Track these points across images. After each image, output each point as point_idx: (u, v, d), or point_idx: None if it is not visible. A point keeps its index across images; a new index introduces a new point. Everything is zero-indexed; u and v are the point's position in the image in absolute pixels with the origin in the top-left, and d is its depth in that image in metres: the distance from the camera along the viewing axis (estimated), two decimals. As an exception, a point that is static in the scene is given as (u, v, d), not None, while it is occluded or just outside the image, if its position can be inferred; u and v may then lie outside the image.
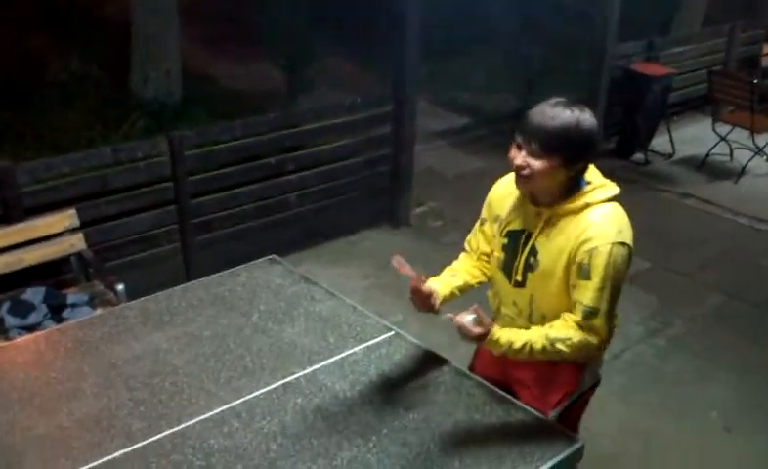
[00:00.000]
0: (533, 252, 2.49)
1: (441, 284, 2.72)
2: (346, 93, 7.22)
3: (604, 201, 2.42)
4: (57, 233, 4.30)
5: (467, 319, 2.39)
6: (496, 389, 2.70)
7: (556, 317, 2.47)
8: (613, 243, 2.35)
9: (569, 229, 2.41)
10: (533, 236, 2.49)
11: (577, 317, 2.40)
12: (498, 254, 2.64)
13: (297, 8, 8.41)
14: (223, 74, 9.04)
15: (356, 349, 2.89)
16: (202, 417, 2.50)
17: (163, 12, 7.65)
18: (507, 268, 2.60)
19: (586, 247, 2.35)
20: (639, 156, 7.79)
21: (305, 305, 3.19)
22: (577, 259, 2.37)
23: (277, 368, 2.76)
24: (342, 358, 2.83)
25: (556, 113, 2.34)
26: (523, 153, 2.37)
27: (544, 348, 2.41)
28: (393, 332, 3.01)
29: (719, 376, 4.56)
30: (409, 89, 5.92)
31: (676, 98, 8.57)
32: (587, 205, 2.40)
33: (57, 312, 4.00)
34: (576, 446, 2.42)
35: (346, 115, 5.83)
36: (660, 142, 8.07)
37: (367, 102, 5.99)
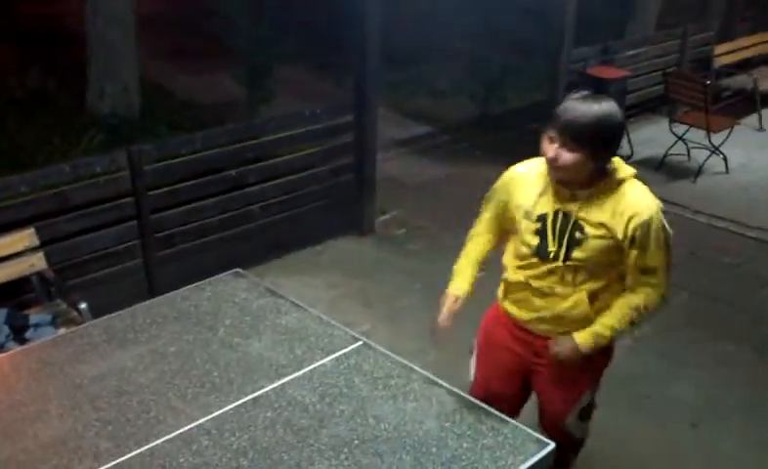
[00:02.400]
0: (579, 228, 2.65)
1: (467, 282, 2.98)
2: (307, 102, 7.21)
3: (631, 177, 2.68)
4: (16, 252, 4.22)
5: (555, 349, 2.81)
6: (466, 395, 2.71)
7: (603, 279, 2.73)
8: (657, 211, 2.65)
9: (609, 205, 2.63)
10: (575, 214, 2.65)
11: (641, 280, 2.71)
12: (530, 239, 2.75)
13: (256, 18, 8.37)
14: (182, 86, 8.98)
15: (324, 360, 2.88)
16: (171, 435, 2.47)
17: (119, 24, 7.56)
18: (543, 250, 2.73)
19: (638, 221, 2.60)
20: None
21: (271, 318, 3.17)
22: (630, 233, 2.61)
23: (245, 383, 2.74)
24: (311, 370, 2.82)
25: (586, 108, 2.53)
26: (555, 146, 2.57)
27: (632, 321, 2.76)
28: (361, 342, 3.00)
29: (686, 373, 4.62)
30: (370, 97, 5.92)
31: (632, 100, 8.68)
32: (620, 182, 2.64)
33: (19, 333, 3.93)
34: (548, 449, 2.43)
35: (307, 125, 5.81)
36: (618, 143, 8.15)
37: (329, 111, 5.98)
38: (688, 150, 7.88)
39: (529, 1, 9.17)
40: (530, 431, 2.53)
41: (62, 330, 3.90)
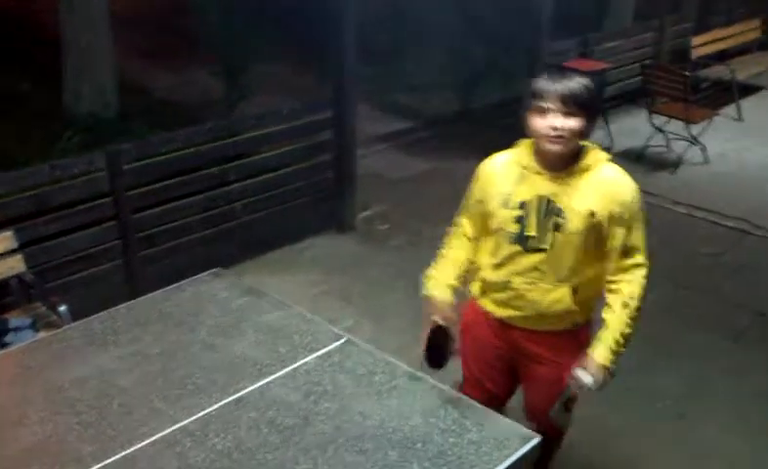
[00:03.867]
0: (558, 213, 2.64)
1: (448, 291, 2.94)
2: (286, 99, 7.18)
3: (606, 160, 2.72)
4: (-6, 255, 4.18)
5: (587, 380, 2.76)
6: (450, 390, 2.70)
7: (584, 269, 2.72)
8: (637, 190, 2.71)
9: (590, 187, 2.65)
10: (556, 198, 2.65)
11: (624, 264, 2.72)
12: (510, 228, 2.73)
13: (233, 15, 8.33)
14: (159, 85, 8.92)
15: (307, 358, 2.86)
16: (154, 438, 2.44)
17: (95, 23, 7.50)
18: (522, 238, 2.71)
19: (621, 200, 2.65)
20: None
21: (253, 317, 3.14)
22: (615, 213, 2.64)
23: (228, 383, 2.72)
24: (294, 368, 2.80)
25: (571, 77, 2.59)
26: (553, 117, 2.56)
27: (632, 316, 2.77)
28: (345, 339, 2.98)
29: (669, 364, 4.64)
30: (349, 93, 5.91)
31: (612, 92, 8.74)
32: (597, 164, 2.68)
33: (-2, 337, 3.89)
34: (533, 442, 2.43)
35: (287, 122, 5.79)
36: (598, 135, 8.17)
37: (308, 107, 5.97)
38: (667, 142, 7.92)
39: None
40: (514, 424, 2.52)
41: (42, 334, 3.87)
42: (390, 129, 8.48)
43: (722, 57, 9.89)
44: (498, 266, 2.82)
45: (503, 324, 2.92)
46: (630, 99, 9.23)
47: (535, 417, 2.98)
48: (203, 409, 2.57)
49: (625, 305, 2.74)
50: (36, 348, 2.96)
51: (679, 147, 7.77)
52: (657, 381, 4.49)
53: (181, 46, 9.33)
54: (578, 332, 2.90)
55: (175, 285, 3.37)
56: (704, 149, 7.74)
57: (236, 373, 2.77)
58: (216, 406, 2.59)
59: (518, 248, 2.73)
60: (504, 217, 2.74)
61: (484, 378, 3.07)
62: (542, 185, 2.68)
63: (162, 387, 2.69)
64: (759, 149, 8.15)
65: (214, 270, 3.51)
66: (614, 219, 2.66)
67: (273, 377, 2.75)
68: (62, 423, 2.51)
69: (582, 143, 2.69)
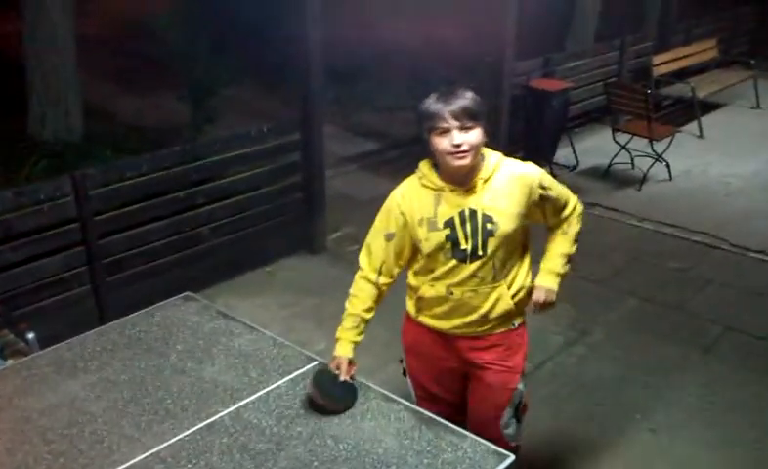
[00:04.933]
0: (488, 219, 2.70)
1: (351, 347, 2.90)
2: (253, 122, 7.17)
3: (503, 157, 2.83)
4: (-42, 283, 4.12)
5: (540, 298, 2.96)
6: (424, 411, 2.70)
7: (515, 261, 2.85)
8: (535, 167, 2.87)
9: (502, 186, 2.74)
10: (478, 207, 2.71)
11: (561, 217, 2.94)
12: (445, 246, 2.75)
13: (198, 38, 8.31)
14: (125, 109, 8.87)
15: (279, 382, 2.85)
16: (125, 465, 2.42)
17: (60, 46, 7.44)
18: (462, 252, 2.74)
19: (533, 185, 2.78)
20: (545, 170, 7.95)
21: (224, 341, 3.13)
22: (533, 199, 2.79)
23: (199, 409, 2.70)
24: (266, 392, 2.79)
25: (461, 92, 2.67)
26: (453, 135, 2.61)
27: (569, 244, 2.99)
28: (316, 362, 2.98)
29: (640, 379, 4.67)
30: (316, 115, 5.92)
31: (576, 110, 8.83)
32: (499, 163, 2.78)
33: (-36, 366, 3.81)
34: (508, 461, 2.44)
35: (254, 144, 5.78)
36: (563, 154, 8.28)
37: (275, 129, 5.96)
38: (632, 159, 8.02)
39: (469, 16, 9.28)
40: (489, 445, 2.53)
41: (9, 362, 3.78)
42: (358, 150, 8.50)
43: (682, 75, 10.07)
44: (435, 280, 2.83)
45: (447, 337, 2.92)
46: (594, 117, 9.36)
47: (482, 429, 2.94)
48: (175, 435, 2.56)
49: (564, 232, 2.97)
50: (4, 376, 2.92)
51: (644, 164, 7.87)
52: (627, 395, 4.52)
53: (147, 70, 9.29)
54: (519, 332, 2.98)
55: (144, 310, 3.35)
56: (667, 166, 7.85)
57: (208, 398, 2.76)
58: (188, 432, 2.57)
59: (455, 262, 2.76)
60: (435, 239, 2.75)
61: (439, 391, 3.05)
62: (461, 199, 2.72)
63: (133, 414, 2.67)
64: (721, 164, 8.29)
65: (184, 294, 3.49)
66: (539, 201, 2.81)
67: (244, 402, 2.74)
68: (31, 453, 2.48)
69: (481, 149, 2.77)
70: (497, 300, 2.81)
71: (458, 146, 2.61)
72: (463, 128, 2.62)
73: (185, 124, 8.03)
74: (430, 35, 11.04)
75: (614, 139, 8.06)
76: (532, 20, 8.81)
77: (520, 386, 2.99)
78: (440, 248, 2.75)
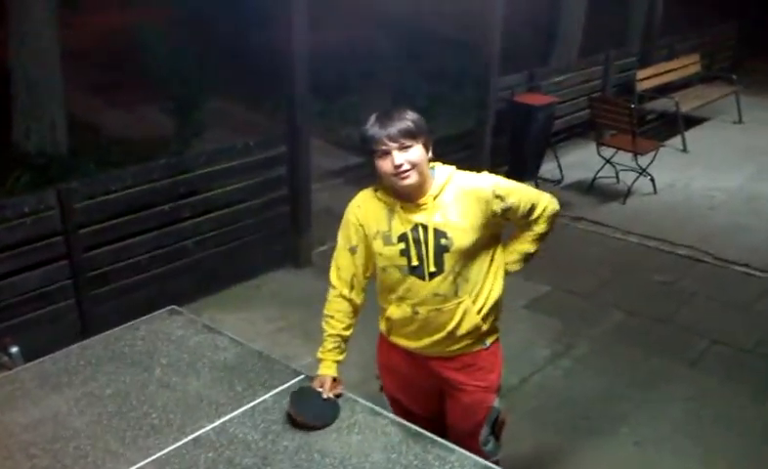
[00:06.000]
0: (441, 235, 2.68)
1: (335, 367, 2.90)
2: (238, 134, 7.16)
3: (454, 170, 2.80)
4: (-60, 297, 4.08)
5: None
6: (411, 425, 2.70)
7: (480, 275, 2.79)
8: (489, 176, 2.81)
9: (455, 200, 2.71)
10: (430, 223, 2.69)
11: (529, 220, 2.88)
12: (398, 262, 2.75)
13: (184, 51, 8.31)
14: (110, 122, 8.84)
15: (265, 396, 2.84)
16: (110, 481, 2.40)
17: (45, 59, 7.40)
18: (418, 268, 2.73)
19: (488, 195, 2.72)
20: (529, 184, 7.97)
21: (209, 355, 3.12)
22: (492, 207, 2.73)
23: (184, 423, 2.68)
24: (252, 407, 2.78)
25: (397, 113, 2.66)
26: (395, 155, 2.62)
27: (530, 243, 2.95)
28: (302, 376, 2.97)
29: (625, 392, 4.68)
30: (303, 128, 5.92)
31: (560, 125, 8.88)
32: (449, 176, 2.75)
33: (-54, 381, 3.77)
34: (493, 475, 2.44)
35: (240, 158, 5.77)
36: (548, 168, 8.32)
37: (261, 143, 5.95)
38: (617, 173, 8.06)
39: (454, 32, 9.32)
40: (476, 458, 2.53)
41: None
42: (343, 163, 8.49)
43: (665, 90, 10.15)
44: (400, 300, 2.82)
45: (419, 357, 2.91)
46: (579, 132, 9.41)
47: (461, 445, 2.94)
48: (160, 450, 2.54)
49: (529, 230, 2.93)
50: (-14, 392, 2.89)
51: (628, 178, 7.91)
52: (613, 409, 4.53)
53: (132, 82, 9.27)
54: (491, 351, 2.93)
55: (129, 324, 3.33)
56: (652, 180, 7.90)
57: (193, 413, 2.74)
58: (173, 447, 2.56)
59: (412, 279, 2.75)
60: (390, 253, 2.75)
61: (415, 408, 3.04)
62: (413, 215, 2.72)
63: (118, 428, 2.65)
64: (704, 178, 8.35)
65: (169, 308, 3.47)
66: (498, 212, 2.75)
67: (230, 416, 2.72)
68: (14, 468, 2.45)
69: (431, 164, 2.76)
70: (463, 316, 2.78)
71: (399, 166, 2.62)
72: (402, 148, 2.62)
73: (170, 137, 8.01)
74: (413, 49, 11.10)
75: (598, 153, 8.10)
76: (516, 35, 8.87)
77: (496, 403, 2.97)
78: (394, 263, 2.75)
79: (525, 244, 2.95)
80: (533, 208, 2.86)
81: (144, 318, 3.38)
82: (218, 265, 5.70)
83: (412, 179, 2.64)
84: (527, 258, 2.96)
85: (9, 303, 4.54)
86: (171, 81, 8.02)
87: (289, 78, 5.79)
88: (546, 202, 2.91)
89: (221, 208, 5.73)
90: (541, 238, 2.95)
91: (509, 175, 2.91)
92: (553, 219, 2.94)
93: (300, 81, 5.78)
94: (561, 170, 8.28)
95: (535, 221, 2.90)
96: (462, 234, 2.69)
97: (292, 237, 6.16)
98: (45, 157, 7.31)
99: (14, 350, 3.89)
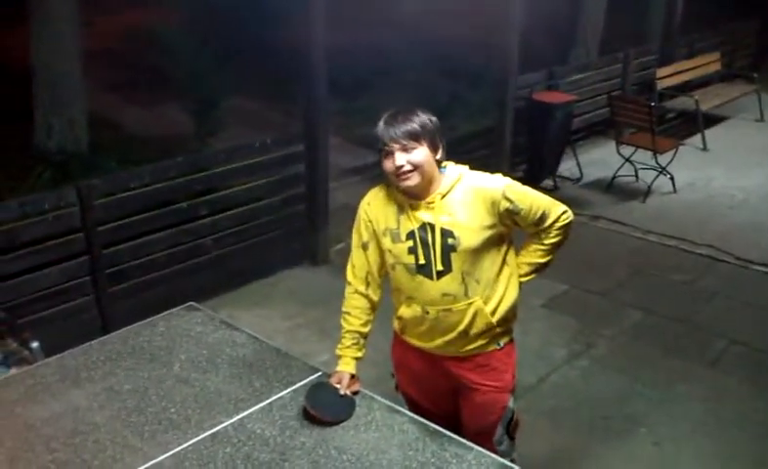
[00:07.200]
0: (448, 234, 2.68)
1: (352, 364, 2.89)
2: (256, 132, 7.18)
3: (465, 170, 2.79)
4: (-37, 292, 4.12)
5: None
6: (428, 422, 2.70)
7: (491, 276, 2.76)
8: (501, 178, 2.77)
9: (464, 200, 2.70)
10: (438, 222, 2.69)
11: (539, 226, 2.81)
12: (405, 260, 2.75)
13: (203, 50, 8.34)
14: (130, 120, 8.89)
15: (283, 393, 2.85)
16: (129, 475, 2.42)
17: (66, 57, 7.46)
18: (425, 267, 2.73)
19: (497, 196, 2.70)
20: (548, 182, 7.96)
21: (227, 351, 3.13)
22: (499, 208, 2.70)
23: (203, 419, 2.69)
24: (270, 403, 2.79)
25: (404, 114, 2.67)
26: (397, 156, 2.63)
27: (547, 254, 2.90)
28: (320, 373, 2.98)
29: (644, 392, 4.65)
30: (320, 126, 5.93)
31: (579, 123, 8.84)
32: (459, 176, 2.74)
33: (-31, 374, 3.81)
34: (511, 473, 2.43)
35: (258, 156, 5.79)
36: (567, 167, 8.29)
37: (279, 141, 5.97)
38: (636, 172, 8.02)
39: (474, 31, 9.31)
40: (493, 456, 2.53)
41: (13, 370, 3.78)
42: (362, 162, 8.49)
43: (685, 88, 10.07)
44: (410, 299, 2.82)
45: (432, 356, 2.91)
46: (598, 130, 9.36)
47: (473, 441, 2.94)
48: (178, 445, 2.55)
49: (539, 240, 2.88)
50: (8, 385, 2.92)
51: (648, 176, 7.86)
52: (632, 409, 4.50)
53: (151, 80, 9.31)
54: (505, 351, 2.91)
55: (148, 320, 3.35)
56: (671, 179, 7.85)
57: (211, 408, 2.75)
58: (191, 442, 2.57)
59: (421, 278, 2.75)
60: (398, 250, 2.76)
61: (430, 406, 3.03)
62: (421, 214, 2.72)
63: (137, 423, 2.67)
64: (725, 177, 8.28)
65: (187, 304, 3.49)
66: (505, 214, 2.72)
67: (248, 412, 2.73)
68: (34, 461, 2.48)
69: (443, 164, 2.75)
70: (475, 316, 2.77)
71: (399, 167, 2.63)
72: (405, 149, 2.63)
73: (189, 135, 8.05)
74: (433, 48, 11.08)
75: (618, 151, 8.06)
76: (535, 33, 8.85)
77: (510, 404, 2.96)
78: (402, 261, 2.76)
79: (535, 256, 2.90)
80: (544, 216, 2.81)
81: (162, 314, 3.40)
82: (236, 262, 5.72)
83: (413, 180, 2.65)
84: (538, 269, 2.93)
85: (29, 298, 4.58)
86: (190, 79, 8.05)
87: (308, 77, 5.80)
88: (559, 212, 2.85)
89: (239, 206, 5.75)
90: (553, 249, 2.90)
91: (528, 173, 2.90)
92: (566, 230, 2.88)
93: (318, 80, 5.79)
94: (580, 168, 8.25)
95: (546, 230, 2.85)
96: (470, 233, 2.68)
97: (310, 235, 6.17)
98: (66, 154, 7.38)
99: (34, 345, 3.93)
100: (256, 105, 9.83)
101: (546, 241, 2.87)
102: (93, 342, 3.20)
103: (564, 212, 2.85)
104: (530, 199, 2.77)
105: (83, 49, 7.65)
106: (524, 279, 2.91)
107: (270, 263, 5.99)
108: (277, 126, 8.34)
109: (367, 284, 2.91)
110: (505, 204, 2.70)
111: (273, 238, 5.96)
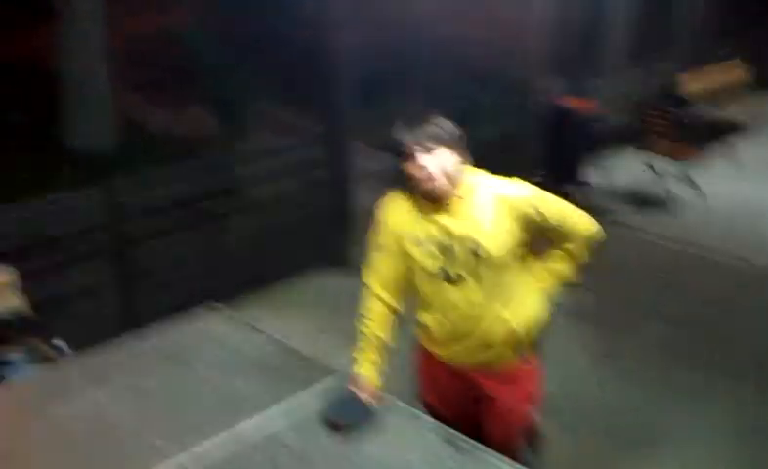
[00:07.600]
0: (469, 240, 2.66)
1: (372, 369, 2.84)
2: (280, 135, 7.20)
3: (484, 174, 2.77)
4: (-9, 289, 4.16)
5: None
6: (448, 428, 2.69)
7: (513, 284, 2.76)
8: (521, 182, 2.76)
9: (485, 206, 2.69)
10: (459, 228, 2.67)
11: (561, 231, 2.81)
12: (427, 264, 2.74)
13: (228, 52, 8.37)
14: (156, 120, 8.93)
15: (303, 394, 2.85)
16: (150, 474, 2.43)
17: (92, 56, 7.53)
18: (442, 272, 2.72)
19: (524, 205, 2.69)
20: (569, 188, 7.93)
21: (248, 352, 3.14)
22: (527, 218, 2.70)
23: (223, 419, 2.70)
24: (290, 404, 2.79)
25: (426, 118, 2.68)
26: (419, 158, 2.62)
27: (572, 267, 2.92)
28: (340, 375, 2.97)
29: (669, 405, 4.60)
30: (344, 130, 5.96)
31: (602, 129, 8.77)
32: (483, 181, 2.74)
33: (-6, 371, 3.85)
34: (531, 481, 2.42)
35: (281, 158, 5.82)
36: (589, 173, 8.24)
37: (302, 144, 6.00)
38: (660, 179, 7.96)
39: (498, 36, 9.27)
40: (516, 466, 2.51)
41: (38, 368, 3.84)
42: (384, 166, 8.50)
43: (712, 96, 9.99)
44: (429, 306, 2.82)
45: (454, 364, 2.90)
46: (621, 137, 9.30)
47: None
48: (199, 445, 2.56)
49: (566, 252, 2.88)
50: (32, 382, 2.95)
51: (672, 184, 7.81)
52: (654, 421, 4.46)
53: (176, 81, 9.36)
54: (530, 362, 2.91)
55: (171, 320, 3.37)
56: (696, 187, 7.78)
57: (231, 409, 2.76)
58: (211, 442, 2.58)
59: (442, 284, 2.74)
60: (420, 254, 2.75)
61: (449, 414, 2.98)
62: (441, 218, 2.71)
63: (159, 423, 2.68)
64: (750, 186, 8.21)
65: (210, 304, 3.50)
66: (532, 222, 2.72)
67: (268, 413, 2.74)
68: (57, 459, 2.50)
69: (466, 169, 2.74)
70: (496, 325, 2.76)
71: (423, 168, 2.62)
72: (428, 151, 2.62)
73: (214, 136, 8.07)
74: (456, 53, 11.05)
75: (641, 159, 8.01)
76: (559, 38, 8.80)
77: (533, 416, 2.95)
78: (421, 265, 2.75)
79: (559, 267, 2.90)
80: (570, 227, 2.82)
81: (185, 314, 3.41)
82: (259, 263, 5.74)
83: (437, 183, 2.64)
84: (562, 280, 2.92)
85: (56, 296, 4.62)
86: (215, 81, 8.08)
87: (331, 80, 5.82)
88: (587, 226, 2.86)
89: (262, 207, 5.77)
90: (578, 260, 2.89)
91: (549, 179, 2.89)
92: (590, 243, 2.88)
93: (341, 83, 5.81)
94: (602, 175, 8.20)
95: (572, 241, 2.85)
96: (491, 240, 2.67)
97: (333, 238, 6.19)
98: (91, 154, 7.42)
99: (59, 343, 3.97)
100: (280, 108, 9.85)
101: (571, 252, 2.87)
102: (117, 341, 3.22)
103: (589, 223, 2.86)
104: (556, 209, 2.77)
105: (109, 49, 7.71)
106: (547, 290, 2.90)
107: (293, 265, 6.01)
108: (301, 129, 8.35)
109: (385, 289, 2.89)
110: (531, 213, 2.69)
111: (295, 241, 5.98)
